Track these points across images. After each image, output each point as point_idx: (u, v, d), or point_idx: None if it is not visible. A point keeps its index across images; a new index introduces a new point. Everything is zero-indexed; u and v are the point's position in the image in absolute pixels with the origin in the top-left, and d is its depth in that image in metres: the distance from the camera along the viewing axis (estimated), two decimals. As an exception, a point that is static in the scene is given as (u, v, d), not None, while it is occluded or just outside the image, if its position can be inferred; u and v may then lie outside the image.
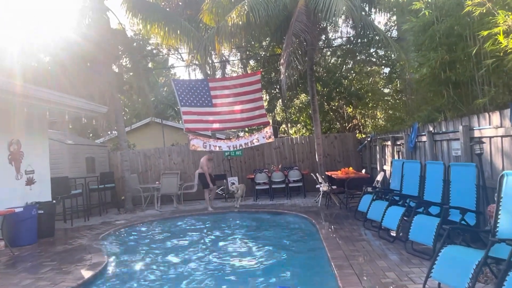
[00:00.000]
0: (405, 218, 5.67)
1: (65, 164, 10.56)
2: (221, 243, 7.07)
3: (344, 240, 5.99)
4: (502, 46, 4.10)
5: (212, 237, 7.70)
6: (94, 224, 9.28)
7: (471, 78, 5.60)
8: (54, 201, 8.49)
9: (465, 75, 5.64)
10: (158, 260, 6.24)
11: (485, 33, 4.27)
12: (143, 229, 8.85)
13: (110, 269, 5.70)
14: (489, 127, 4.93)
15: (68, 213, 9.69)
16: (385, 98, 13.43)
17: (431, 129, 6.79)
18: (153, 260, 6.27)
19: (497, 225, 3.74)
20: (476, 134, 5.25)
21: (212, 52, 12.09)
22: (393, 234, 6.06)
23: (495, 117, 4.82)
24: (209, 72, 15.65)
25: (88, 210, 10.44)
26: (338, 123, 15.74)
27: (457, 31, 5.50)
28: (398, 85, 12.67)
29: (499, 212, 3.74)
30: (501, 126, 4.69)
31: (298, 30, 8.22)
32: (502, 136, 4.69)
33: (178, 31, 10.70)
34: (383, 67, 15.35)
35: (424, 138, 7.05)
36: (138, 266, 5.92)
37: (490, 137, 4.93)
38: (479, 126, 5.22)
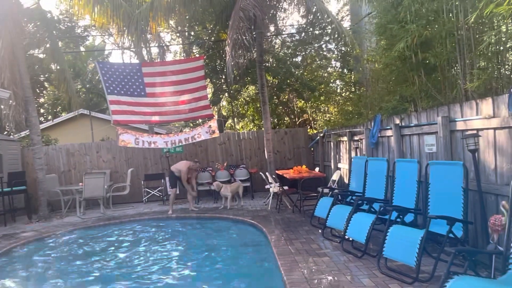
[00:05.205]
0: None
1: (-43, 163, 8.46)
2: (148, 264, 5.65)
3: (303, 255, 4.90)
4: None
5: (136, 257, 6.08)
6: (-9, 238, 7.41)
7: (451, 60, 4.75)
8: None
9: (442, 57, 4.77)
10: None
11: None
12: (56, 243, 7.14)
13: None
14: (477, 117, 4.07)
15: (-41, 225, 7.73)
16: (338, 91, 12.67)
17: (397, 122, 5.94)
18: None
19: (512, 244, 2.82)
20: (460, 126, 4.38)
21: (148, 34, 10.46)
22: (347, 237, 5.07)
23: (486, 105, 3.97)
24: (146, 60, 13.98)
25: (-12, 220, 8.48)
26: (288, 118, 14.79)
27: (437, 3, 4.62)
28: (353, 77, 11.92)
29: (515, 228, 2.83)
30: (494, 116, 3.84)
31: (247, 4, 7.00)
32: (495, 128, 3.84)
33: (105, 2, 8.96)
34: (333, 61, 14.65)
35: (389, 133, 6.19)
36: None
37: (478, 130, 4.07)
38: (462, 116, 4.37)
